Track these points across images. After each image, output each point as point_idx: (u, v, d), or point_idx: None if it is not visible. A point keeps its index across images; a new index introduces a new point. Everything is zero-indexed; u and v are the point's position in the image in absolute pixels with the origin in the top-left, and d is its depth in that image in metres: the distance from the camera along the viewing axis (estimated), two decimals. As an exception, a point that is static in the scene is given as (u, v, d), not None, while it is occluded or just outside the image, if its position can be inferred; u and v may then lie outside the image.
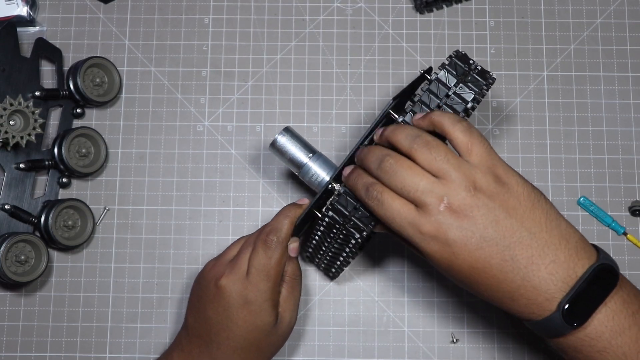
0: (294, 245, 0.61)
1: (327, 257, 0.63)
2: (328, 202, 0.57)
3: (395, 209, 0.53)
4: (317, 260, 0.66)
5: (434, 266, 0.54)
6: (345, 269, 0.68)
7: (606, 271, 0.52)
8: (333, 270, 0.65)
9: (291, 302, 0.62)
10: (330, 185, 0.59)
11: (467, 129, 0.53)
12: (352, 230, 0.56)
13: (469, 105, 0.57)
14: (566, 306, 0.50)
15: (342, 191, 0.57)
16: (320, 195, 0.59)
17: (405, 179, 0.53)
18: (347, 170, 0.58)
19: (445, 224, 0.51)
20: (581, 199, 0.71)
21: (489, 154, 0.53)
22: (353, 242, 0.57)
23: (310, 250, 0.65)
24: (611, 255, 0.53)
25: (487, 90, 0.59)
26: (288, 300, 0.62)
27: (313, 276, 0.70)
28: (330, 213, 0.57)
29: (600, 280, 0.51)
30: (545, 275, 0.51)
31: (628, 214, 0.70)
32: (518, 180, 0.53)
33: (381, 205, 0.53)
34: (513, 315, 0.54)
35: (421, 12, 0.74)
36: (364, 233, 0.56)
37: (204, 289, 0.62)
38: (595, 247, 0.54)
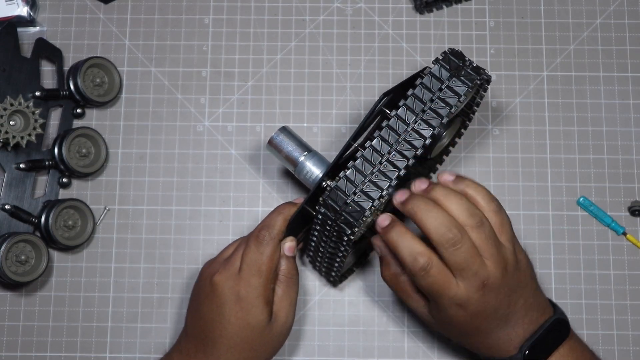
0: (289, 244, 0.61)
1: (326, 260, 0.63)
2: (320, 198, 0.57)
3: (441, 280, 0.55)
4: (317, 264, 0.66)
5: (440, 320, 0.59)
6: (349, 277, 0.68)
7: (561, 323, 0.60)
8: (333, 274, 0.65)
9: (286, 302, 0.61)
10: (323, 182, 0.59)
11: (499, 210, 0.58)
12: (343, 225, 0.56)
13: (461, 98, 0.57)
14: (526, 352, 0.58)
15: (333, 186, 0.56)
16: (314, 192, 0.59)
17: (466, 261, 0.55)
18: (384, 222, 0.57)
19: (474, 300, 0.56)
20: (581, 199, 0.71)
21: (512, 234, 0.58)
22: (345, 238, 0.57)
23: (311, 253, 0.65)
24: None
25: (481, 85, 0.59)
26: (283, 300, 0.61)
27: (313, 276, 0.70)
28: (322, 209, 0.57)
29: (555, 331, 0.60)
30: (521, 332, 0.59)
31: (627, 214, 0.70)
32: (525, 256, 0.59)
33: (426, 276, 0.55)
34: (481, 354, 0.62)
35: (421, 12, 0.74)
36: (355, 228, 0.56)
37: (200, 287, 0.62)
38: (551, 302, 0.62)
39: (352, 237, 0.56)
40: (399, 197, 0.56)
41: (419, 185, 0.57)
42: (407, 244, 0.55)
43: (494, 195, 0.58)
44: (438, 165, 0.70)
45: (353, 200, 0.56)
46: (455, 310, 0.56)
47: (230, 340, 0.60)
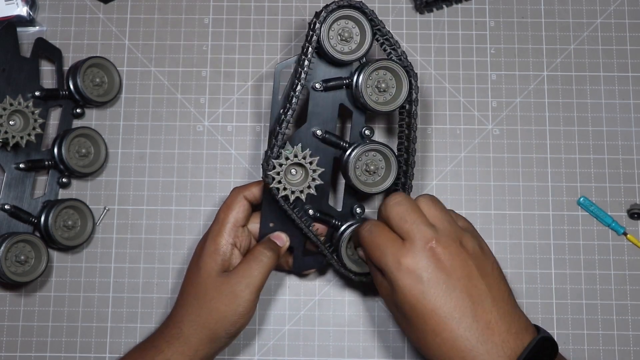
0: (278, 233, 0.64)
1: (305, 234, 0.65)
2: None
3: (384, 237, 0.57)
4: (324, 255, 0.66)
5: (399, 303, 0.56)
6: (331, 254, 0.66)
7: (548, 342, 0.56)
8: (326, 253, 0.65)
9: (243, 271, 0.61)
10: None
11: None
12: (265, 179, 0.62)
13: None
14: None
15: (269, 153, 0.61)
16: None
17: (404, 212, 0.57)
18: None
19: (424, 263, 0.55)
20: (581, 199, 0.71)
21: (476, 233, 0.59)
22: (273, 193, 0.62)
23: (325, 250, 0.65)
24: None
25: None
26: (240, 266, 0.62)
27: (313, 276, 0.70)
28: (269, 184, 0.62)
29: (543, 350, 0.55)
30: (499, 342, 0.54)
31: (625, 214, 0.70)
32: (494, 257, 0.59)
33: (370, 234, 0.58)
34: None
35: (421, 12, 0.74)
36: (268, 174, 0.61)
37: None
38: (536, 326, 0.58)
39: (272, 188, 0.61)
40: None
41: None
42: (366, 225, 0.59)
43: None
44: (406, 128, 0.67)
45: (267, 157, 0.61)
46: (406, 278, 0.54)
47: (183, 285, 0.64)
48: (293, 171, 0.63)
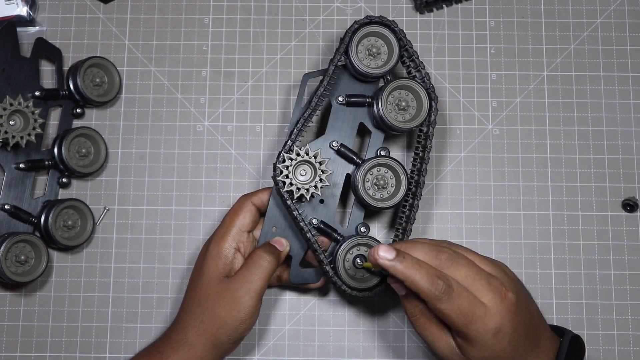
0: (278, 238, 0.64)
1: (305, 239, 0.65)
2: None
3: (465, 301, 0.53)
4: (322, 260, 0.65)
5: (476, 356, 0.55)
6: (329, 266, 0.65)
7: (577, 339, 0.58)
8: (322, 259, 0.64)
9: (242, 274, 0.61)
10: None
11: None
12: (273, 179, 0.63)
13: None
14: None
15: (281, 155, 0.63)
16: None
17: (468, 271, 0.54)
18: (388, 253, 0.55)
19: (505, 315, 0.54)
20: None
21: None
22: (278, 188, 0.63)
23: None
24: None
25: None
26: (241, 272, 0.61)
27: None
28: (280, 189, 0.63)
29: (577, 347, 0.57)
30: (550, 354, 0.57)
31: (627, 213, 0.70)
32: (527, 290, 0.59)
33: (449, 297, 0.53)
34: None
35: (421, 12, 0.74)
36: (276, 172, 0.62)
37: None
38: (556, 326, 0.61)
39: (279, 181, 0.62)
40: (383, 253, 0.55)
41: (385, 255, 0.54)
42: (422, 272, 0.54)
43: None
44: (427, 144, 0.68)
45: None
46: (490, 336, 0.53)
47: (187, 290, 0.64)
48: (302, 171, 0.64)
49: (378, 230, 0.71)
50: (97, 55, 0.72)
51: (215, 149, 0.72)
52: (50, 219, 0.67)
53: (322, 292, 0.70)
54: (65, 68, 0.72)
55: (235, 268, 0.62)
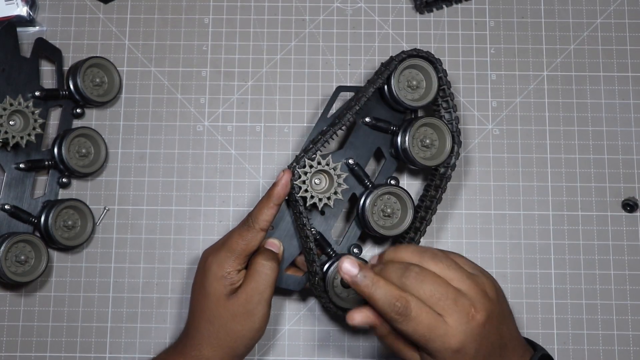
0: (272, 240, 0.64)
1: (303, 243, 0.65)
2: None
3: (424, 321, 0.53)
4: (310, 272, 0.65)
5: None
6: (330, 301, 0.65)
7: (547, 358, 0.58)
8: (313, 276, 0.64)
9: (249, 287, 0.61)
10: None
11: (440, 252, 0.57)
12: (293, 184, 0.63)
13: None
14: None
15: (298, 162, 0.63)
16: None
17: (433, 288, 0.53)
18: (352, 267, 0.54)
19: (469, 338, 0.53)
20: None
21: (476, 266, 0.57)
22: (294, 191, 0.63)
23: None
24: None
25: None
26: (247, 284, 0.61)
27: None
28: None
29: None
30: None
31: (627, 214, 0.70)
32: (499, 286, 0.57)
33: (406, 318, 0.53)
34: None
35: (421, 12, 0.74)
36: (294, 176, 0.62)
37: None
38: (529, 340, 0.60)
39: (295, 186, 0.62)
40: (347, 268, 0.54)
41: (348, 268, 0.54)
42: (381, 292, 0.53)
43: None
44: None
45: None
46: (450, 354, 0.53)
47: (193, 307, 0.63)
48: (317, 180, 0.64)
49: (369, 250, 0.70)
50: (97, 55, 0.72)
51: (215, 149, 0.72)
52: (50, 219, 0.67)
53: (322, 292, 0.70)
54: (65, 68, 0.72)
55: (238, 281, 0.62)
